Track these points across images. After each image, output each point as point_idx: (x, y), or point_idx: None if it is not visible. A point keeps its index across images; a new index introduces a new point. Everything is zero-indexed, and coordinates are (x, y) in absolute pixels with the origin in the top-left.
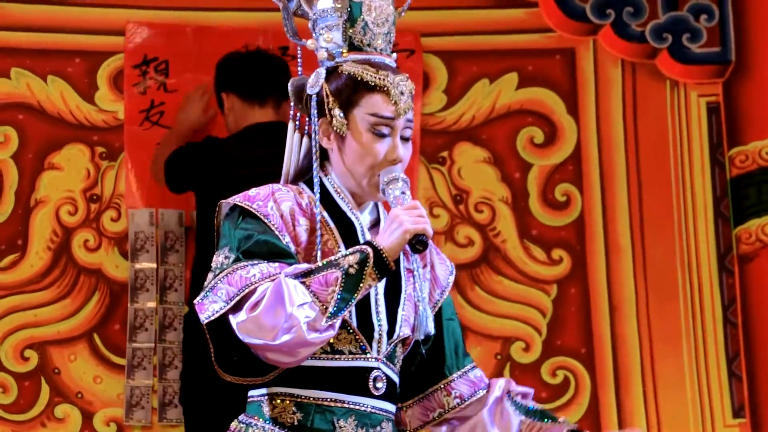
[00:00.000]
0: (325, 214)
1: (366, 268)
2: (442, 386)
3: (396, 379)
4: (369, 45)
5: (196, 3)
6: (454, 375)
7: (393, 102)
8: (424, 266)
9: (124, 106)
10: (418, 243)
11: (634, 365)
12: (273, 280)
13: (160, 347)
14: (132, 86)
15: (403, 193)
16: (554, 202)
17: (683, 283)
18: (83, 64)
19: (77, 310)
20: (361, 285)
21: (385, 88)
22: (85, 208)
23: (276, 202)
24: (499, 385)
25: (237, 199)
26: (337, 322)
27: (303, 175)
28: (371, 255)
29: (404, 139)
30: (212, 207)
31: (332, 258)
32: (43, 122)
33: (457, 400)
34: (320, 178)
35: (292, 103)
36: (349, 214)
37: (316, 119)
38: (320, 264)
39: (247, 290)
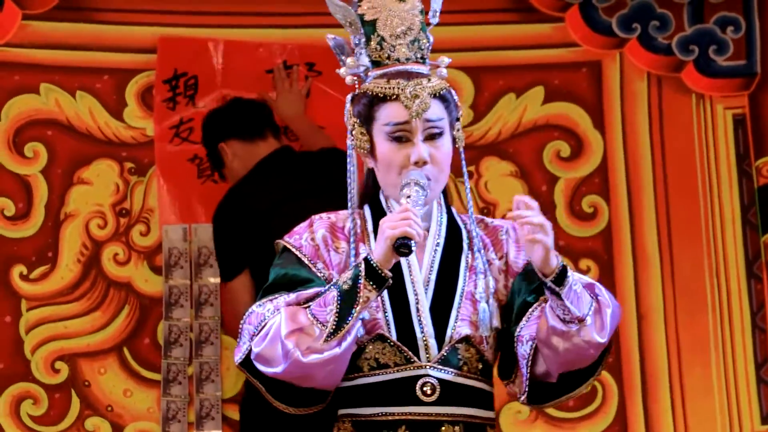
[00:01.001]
0: (371, 231)
1: (359, 282)
2: (515, 340)
3: (461, 379)
4: (389, 58)
5: (223, 21)
6: (522, 323)
7: (405, 106)
8: (500, 258)
9: (153, 122)
10: (400, 246)
11: (661, 374)
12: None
13: (196, 362)
14: (161, 102)
15: (408, 197)
16: (581, 213)
17: (711, 291)
18: (112, 81)
19: (107, 323)
20: (358, 299)
21: (396, 96)
22: (114, 222)
23: (312, 232)
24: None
25: (284, 237)
26: (346, 340)
27: (368, 197)
28: (363, 268)
29: (431, 139)
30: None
31: (335, 280)
32: (72, 138)
33: (530, 342)
34: (375, 195)
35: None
36: None
37: (350, 144)
38: (325, 288)
39: (261, 326)
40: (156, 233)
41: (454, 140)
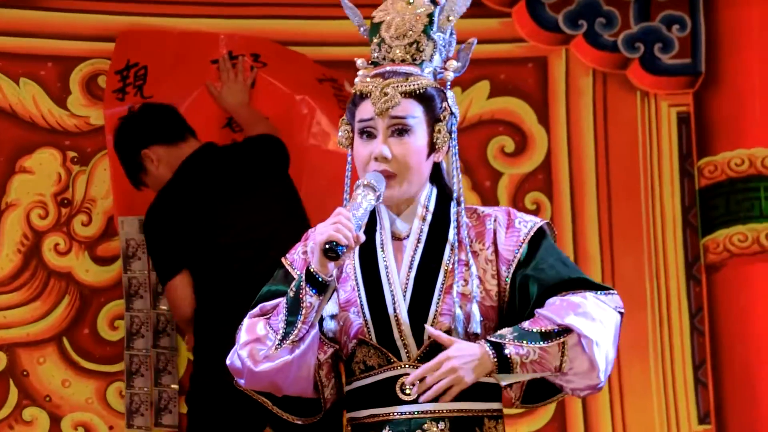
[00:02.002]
0: (362, 234)
1: (301, 289)
2: None
3: None
4: (384, 59)
5: (168, 9)
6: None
7: (372, 103)
8: (488, 247)
9: (104, 114)
10: (327, 252)
11: None
12: None
13: (154, 352)
14: (111, 93)
15: (353, 200)
16: (524, 210)
17: (651, 291)
18: (56, 69)
19: (47, 313)
20: (302, 304)
21: (369, 93)
22: (55, 212)
23: (305, 246)
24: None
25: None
26: (300, 347)
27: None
28: (303, 274)
29: (397, 135)
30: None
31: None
32: (15, 126)
33: None
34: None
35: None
36: (379, 227)
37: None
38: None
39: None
40: (98, 223)
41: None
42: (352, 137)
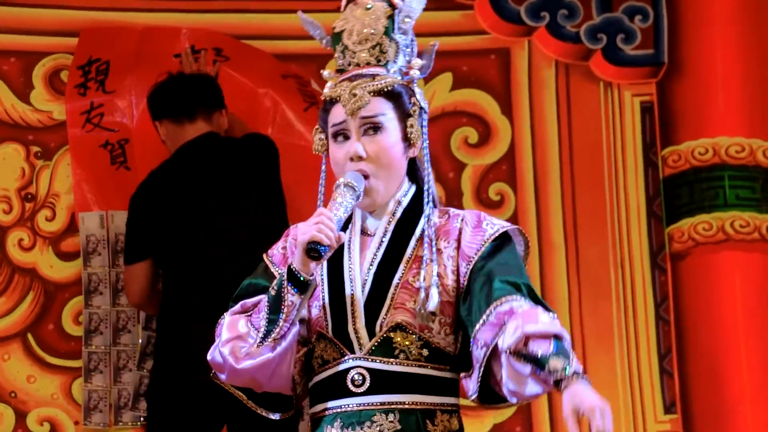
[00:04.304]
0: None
1: (282, 287)
2: (472, 339)
3: (396, 368)
4: (350, 64)
5: (130, 4)
6: (477, 325)
7: (343, 105)
8: (451, 243)
9: (65, 109)
10: (309, 252)
11: None
12: None
13: (114, 350)
14: (73, 88)
15: (334, 200)
16: (488, 201)
17: (616, 281)
18: (19, 63)
19: (11, 309)
20: (283, 303)
21: (339, 97)
22: (19, 207)
23: (285, 241)
24: (505, 335)
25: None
26: (281, 345)
27: None
28: (285, 273)
29: (370, 134)
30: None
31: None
32: None
33: (484, 349)
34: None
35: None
36: (351, 225)
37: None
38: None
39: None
40: (62, 218)
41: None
42: (327, 143)
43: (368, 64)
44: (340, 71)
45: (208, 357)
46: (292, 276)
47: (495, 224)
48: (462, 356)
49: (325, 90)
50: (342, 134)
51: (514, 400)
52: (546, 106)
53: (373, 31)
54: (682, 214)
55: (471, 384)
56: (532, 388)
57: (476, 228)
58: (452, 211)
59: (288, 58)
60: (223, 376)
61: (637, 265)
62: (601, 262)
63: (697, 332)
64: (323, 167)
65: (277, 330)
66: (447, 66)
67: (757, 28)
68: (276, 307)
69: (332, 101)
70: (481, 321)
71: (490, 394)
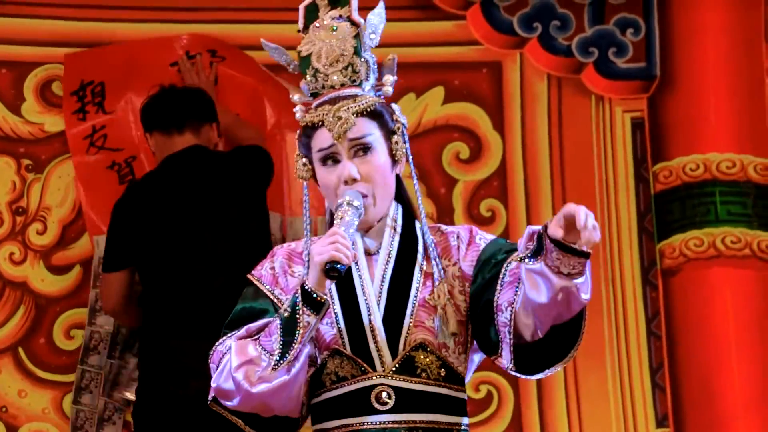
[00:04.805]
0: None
1: (297, 309)
2: (495, 310)
3: (419, 386)
4: (324, 87)
5: (119, 15)
6: (497, 294)
7: (328, 130)
8: (453, 264)
9: (67, 136)
10: (329, 272)
11: (557, 378)
12: None
13: (109, 363)
14: (71, 114)
15: (341, 218)
16: (479, 217)
17: (607, 297)
18: (10, 75)
19: (2, 323)
20: (299, 325)
21: (322, 122)
22: (10, 221)
23: (272, 261)
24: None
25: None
26: (295, 366)
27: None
28: (299, 294)
29: (360, 155)
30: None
31: (281, 309)
32: None
33: (510, 309)
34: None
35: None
36: (353, 248)
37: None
38: (273, 317)
39: (220, 363)
40: (53, 232)
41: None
42: (311, 168)
43: (342, 85)
44: (314, 95)
45: (213, 384)
46: (308, 296)
47: (487, 237)
48: (485, 341)
49: (304, 115)
50: (331, 158)
51: (541, 332)
52: (538, 120)
53: (342, 51)
54: (674, 230)
55: (504, 354)
56: (554, 282)
57: (470, 245)
58: (444, 227)
59: (278, 68)
60: (232, 403)
61: (629, 280)
62: (593, 278)
63: (689, 347)
64: (305, 192)
65: (293, 352)
66: (439, 79)
67: (749, 42)
68: (290, 329)
69: (314, 126)
70: (498, 288)
71: (526, 362)
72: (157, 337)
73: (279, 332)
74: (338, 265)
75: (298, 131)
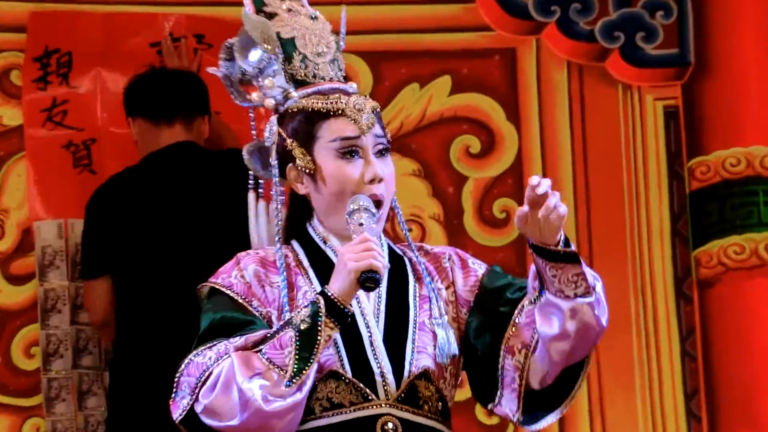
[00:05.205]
0: (307, 264)
1: (319, 320)
2: (503, 352)
3: (422, 420)
4: (315, 76)
5: None
6: (506, 334)
7: (352, 120)
8: (447, 287)
9: (22, 106)
10: (366, 281)
11: (580, 405)
12: (228, 357)
13: (76, 374)
14: (31, 82)
15: (360, 224)
16: (491, 219)
17: (636, 311)
18: None
19: None
20: (319, 338)
21: (340, 111)
22: None
23: (241, 270)
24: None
25: (209, 279)
26: (306, 384)
27: (294, 230)
28: (323, 304)
29: (380, 156)
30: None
31: (287, 317)
32: None
33: (524, 352)
34: (306, 228)
35: (250, 171)
36: (335, 259)
37: (275, 170)
38: (277, 327)
39: (204, 376)
40: (12, 236)
41: None
42: (312, 159)
43: (332, 79)
44: (298, 83)
45: (204, 400)
46: (333, 307)
47: (480, 263)
48: (480, 388)
49: (303, 102)
50: (353, 151)
51: (551, 377)
52: (557, 111)
53: (327, 43)
54: (711, 234)
55: (507, 402)
56: (562, 306)
57: (466, 269)
58: (427, 247)
59: None
60: (227, 423)
61: (660, 293)
62: (620, 290)
63: (729, 370)
64: (279, 191)
65: (309, 369)
66: (445, 68)
67: None
68: (309, 342)
69: (327, 114)
70: (511, 329)
71: (532, 407)
72: (134, 352)
73: (294, 345)
74: (377, 276)
75: (274, 116)
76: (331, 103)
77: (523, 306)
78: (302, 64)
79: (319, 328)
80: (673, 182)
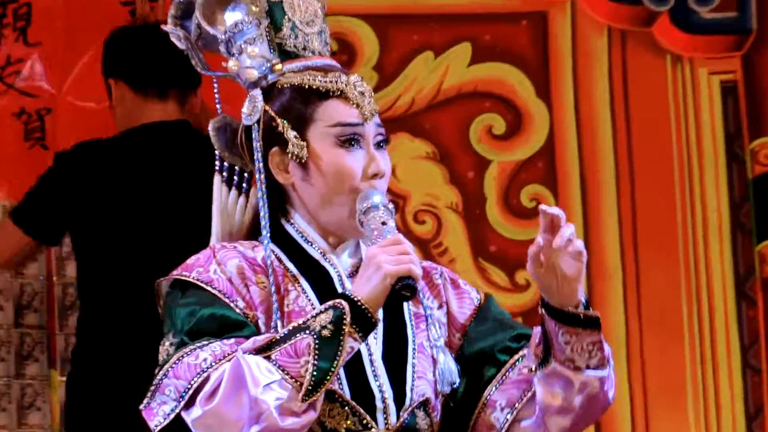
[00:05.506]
0: (291, 265)
1: (343, 328)
2: (483, 404)
3: None
4: (305, 48)
5: None
6: (492, 385)
7: (355, 105)
8: (440, 307)
9: None
10: (403, 288)
11: (622, 426)
12: (229, 360)
13: (17, 384)
14: None
15: (383, 223)
16: (519, 208)
17: (689, 316)
18: None
19: None
20: (341, 349)
21: (341, 92)
22: None
23: (220, 264)
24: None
25: (175, 272)
26: (319, 401)
27: (255, 234)
28: (347, 310)
29: (379, 148)
30: (95, 235)
31: (300, 321)
32: None
33: (508, 412)
34: (281, 223)
35: (216, 152)
36: (323, 261)
37: (259, 153)
38: (286, 331)
39: (199, 380)
40: None
41: None
42: (304, 145)
43: (321, 54)
44: (285, 54)
45: (205, 407)
46: (361, 315)
47: (470, 286)
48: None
49: (297, 77)
50: (354, 140)
51: None
52: (595, 84)
53: (315, 13)
54: None
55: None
56: (571, 379)
57: (458, 289)
58: None
59: None
60: None
61: (718, 295)
62: (670, 291)
63: None
64: (261, 179)
65: (328, 383)
66: (464, 34)
67: None
68: (329, 352)
69: (327, 94)
70: (499, 381)
71: None
72: (98, 356)
73: (313, 355)
74: (415, 284)
75: (258, 90)
76: (331, 81)
77: (517, 361)
78: (292, 33)
79: (342, 337)
80: (733, 167)
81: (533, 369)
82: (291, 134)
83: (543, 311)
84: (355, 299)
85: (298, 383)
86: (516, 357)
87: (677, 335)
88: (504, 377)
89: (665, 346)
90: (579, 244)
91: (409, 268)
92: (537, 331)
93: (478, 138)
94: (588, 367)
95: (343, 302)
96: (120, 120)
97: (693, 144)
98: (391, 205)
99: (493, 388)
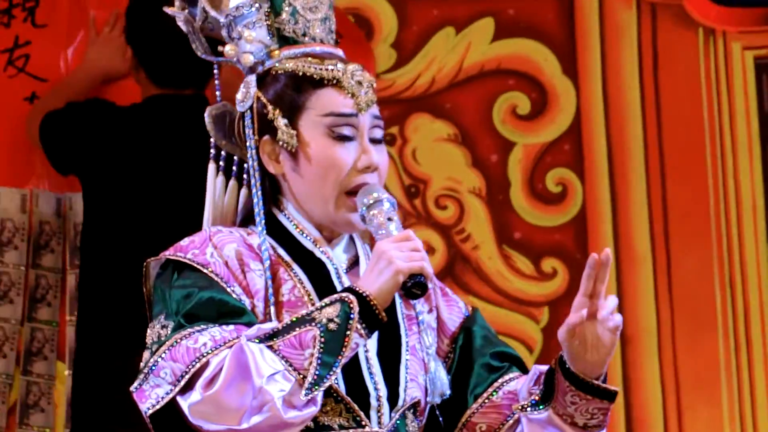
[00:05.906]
0: (285, 255)
1: (350, 323)
2: (463, 424)
3: None
4: (305, 35)
5: None
6: (474, 407)
7: (350, 94)
8: (430, 311)
9: None
10: (414, 286)
11: (653, 418)
12: (230, 346)
13: (23, 380)
14: None
15: (389, 219)
16: (545, 193)
17: (723, 305)
18: None
19: None
20: (346, 344)
21: (336, 80)
22: None
23: (216, 247)
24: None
25: (167, 252)
26: (320, 395)
27: (248, 224)
28: (356, 304)
29: (375, 141)
30: (102, 204)
31: (305, 312)
32: None
33: None
34: (274, 213)
35: (212, 139)
36: (318, 253)
37: (252, 141)
38: (290, 321)
39: (198, 364)
40: None
41: None
42: (295, 134)
43: (323, 41)
44: (285, 40)
45: (207, 392)
46: (369, 311)
47: (458, 297)
48: None
49: (291, 64)
50: (347, 130)
51: None
52: (624, 61)
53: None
54: None
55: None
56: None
57: (446, 296)
58: None
59: None
60: (220, 426)
61: (753, 287)
62: (702, 282)
63: None
64: (255, 167)
65: (330, 378)
66: (486, 8)
67: None
68: (335, 347)
69: (321, 82)
70: (480, 402)
71: None
72: (103, 344)
73: (318, 348)
74: (426, 281)
75: (252, 76)
76: (327, 69)
77: (504, 385)
78: (292, 18)
79: (349, 332)
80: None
81: (524, 407)
82: (281, 122)
83: (558, 368)
84: (364, 294)
85: (302, 376)
86: (501, 381)
87: (711, 327)
88: (487, 399)
89: (698, 338)
90: (618, 318)
91: (422, 266)
92: (538, 371)
93: (501, 119)
94: (586, 427)
95: (351, 296)
96: (143, 83)
97: (726, 124)
98: (395, 200)
99: (475, 410)
